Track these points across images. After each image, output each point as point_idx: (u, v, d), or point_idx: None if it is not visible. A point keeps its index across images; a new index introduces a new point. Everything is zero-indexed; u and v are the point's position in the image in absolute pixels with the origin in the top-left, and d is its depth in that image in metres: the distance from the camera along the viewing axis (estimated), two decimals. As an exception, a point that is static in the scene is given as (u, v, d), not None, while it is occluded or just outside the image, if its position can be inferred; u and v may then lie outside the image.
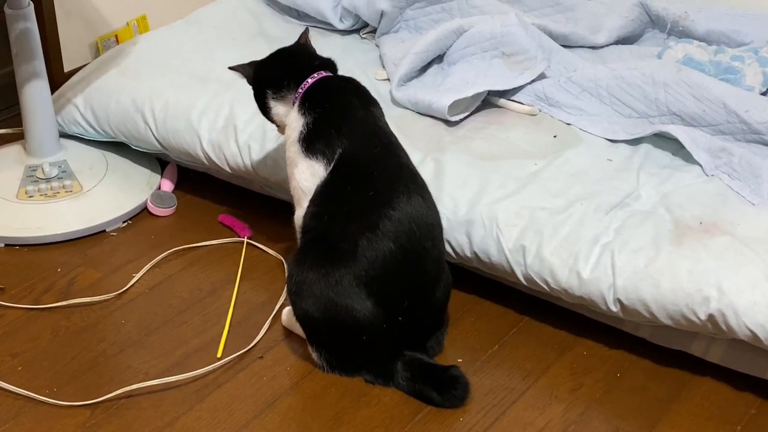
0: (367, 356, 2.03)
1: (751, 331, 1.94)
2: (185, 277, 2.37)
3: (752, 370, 2.05)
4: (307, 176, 2.06)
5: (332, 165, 2.02)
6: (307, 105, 2.09)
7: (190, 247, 2.46)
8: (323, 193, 2.04)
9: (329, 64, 2.20)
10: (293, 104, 2.12)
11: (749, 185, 2.23)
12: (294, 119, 2.11)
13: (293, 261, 2.02)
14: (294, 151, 2.09)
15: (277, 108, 2.16)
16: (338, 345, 2.03)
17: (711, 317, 1.97)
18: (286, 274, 2.03)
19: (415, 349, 2.04)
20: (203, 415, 1.96)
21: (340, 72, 2.75)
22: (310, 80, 2.12)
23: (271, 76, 2.18)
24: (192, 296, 2.30)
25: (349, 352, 2.04)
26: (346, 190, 2.01)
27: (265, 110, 2.19)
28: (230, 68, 2.25)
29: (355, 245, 1.95)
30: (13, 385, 2.01)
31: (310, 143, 2.06)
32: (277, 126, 2.22)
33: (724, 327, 1.97)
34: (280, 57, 2.22)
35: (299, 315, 2.02)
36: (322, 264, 1.97)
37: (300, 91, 2.12)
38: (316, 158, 2.05)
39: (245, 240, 2.46)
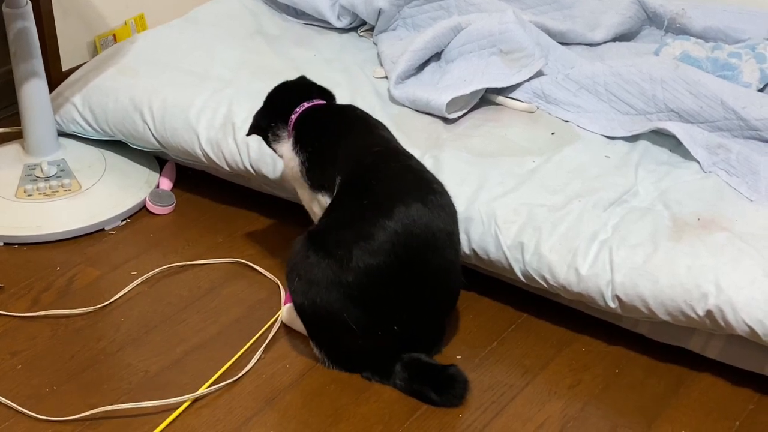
0: (365, 356, 2.03)
1: (749, 327, 1.94)
2: (184, 275, 2.37)
3: (750, 365, 2.06)
4: (317, 204, 2.13)
5: (336, 190, 2.05)
6: (299, 144, 2.14)
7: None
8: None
9: (312, 92, 2.23)
10: (289, 141, 2.17)
11: (747, 181, 2.24)
12: (290, 158, 2.16)
13: (295, 256, 2.01)
14: (305, 189, 2.15)
15: (281, 148, 2.20)
16: (335, 343, 2.03)
17: (709, 313, 1.97)
18: (287, 268, 2.03)
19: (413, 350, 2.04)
20: (203, 413, 1.97)
21: (338, 69, 2.77)
22: (293, 116, 2.16)
23: (264, 122, 2.22)
24: (191, 294, 2.30)
25: (346, 350, 2.04)
26: (345, 197, 2.02)
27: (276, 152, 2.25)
28: (248, 135, 2.30)
29: (350, 253, 1.92)
30: (10, 386, 2.01)
31: (314, 180, 2.11)
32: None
33: (722, 323, 1.97)
34: (268, 99, 2.26)
35: (298, 309, 2.02)
36: (319, 266, 1.95)
37: (290, 128, 2.17)
38: (322, 192, 2.10)
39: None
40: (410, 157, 2.11)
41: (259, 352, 2.10)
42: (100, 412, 1.94)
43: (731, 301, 1.95)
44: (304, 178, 2.13)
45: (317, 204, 2.14)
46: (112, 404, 1.95)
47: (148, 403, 1.95)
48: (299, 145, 2.14)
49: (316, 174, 2.11)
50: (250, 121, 2.31)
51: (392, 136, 2.18)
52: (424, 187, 2.02)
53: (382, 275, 1.92)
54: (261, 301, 2.27)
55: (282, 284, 2.27)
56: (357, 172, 2.04)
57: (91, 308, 2.23)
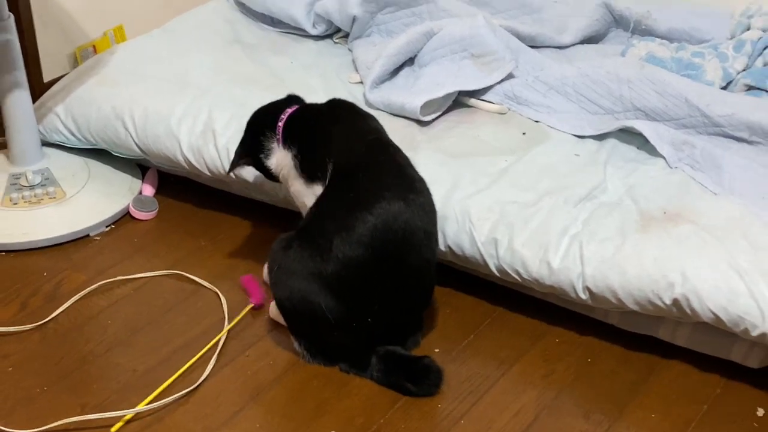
0: (341, 349, 2.08)
1: (714, 314, 2.00)
2: (168, 279, 2.41)
3: (717, 351, 2.12)
4: (311, 199, 2.12)
5: (328, 179, 2.08)
6: (290, 139, 2.18)
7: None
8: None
9: (291, 101, 2.27)
10: (279, 145, 2.20)
11: (711, 176, 2.29)
12: (283, 157, 2.18)
13: (277, 246, 2.06)
14: (300, 183, 2.16)
15: (273, 158, 2.22)
16: (313, 336, 2.08)
17: (676, 302, 2.03)
18: (268, 261, 2.07)
19: (390, 344, 2.09)
20: (190, 409, 2.01)
21: (315, 75, 2.80)
22: (280, 123, 2.20)
23: (253, 140, 2.24)
24: (175, 297, 2.34)
25: (324, 343, 2.08)
26: (335, 187, 2.05)
27: (270, 173, 2.26)
28: (230, 172, 2.33)
29: (330, 243, 1.97)
30: (1, 387, 2.05)
31: (308, 170, 2.13)
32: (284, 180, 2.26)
33: (688, 311, 2.03)
34: (250, 122, 2.29)
35: (278, 301, 2.07)
36: (300, 257, 2.00)
37: (279, 133, 2.19)
38: (315, 182, 2.12)
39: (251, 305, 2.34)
40: (397, 149, 2.15)
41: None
42: (88, 416, 1.99)
43: (696, 289, 2.01)
44: (299, 173, 2.15)
45: (311, 197, 2.13)
46: (101, 402, 2.00)
47: (130, 411, 1.99)
48: (290, 140, 2.17)
49: (309, 164, 2.13)
50: (229, 130, 2.34)
51: (381, 126, 2.22)
52: (408, 186, 2.05)
53: (359, 267, 1.96)
54: (244, 301, 2.31)
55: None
56: (349, 160, 2.07)
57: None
